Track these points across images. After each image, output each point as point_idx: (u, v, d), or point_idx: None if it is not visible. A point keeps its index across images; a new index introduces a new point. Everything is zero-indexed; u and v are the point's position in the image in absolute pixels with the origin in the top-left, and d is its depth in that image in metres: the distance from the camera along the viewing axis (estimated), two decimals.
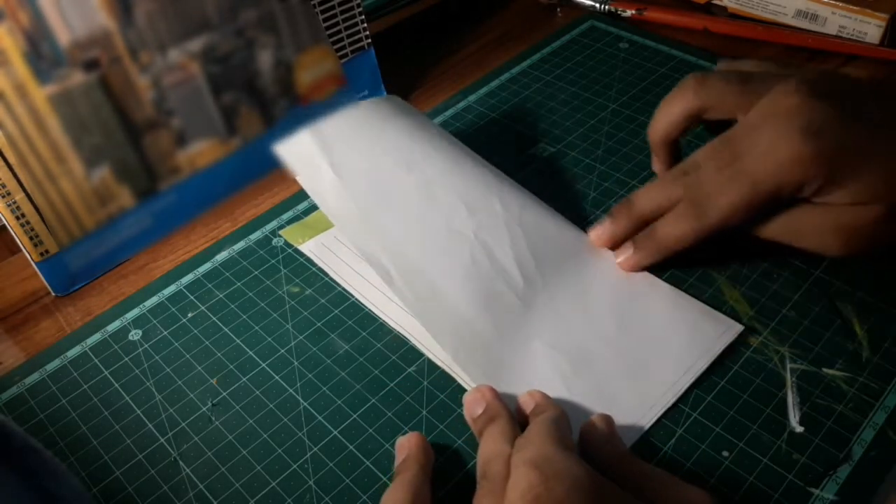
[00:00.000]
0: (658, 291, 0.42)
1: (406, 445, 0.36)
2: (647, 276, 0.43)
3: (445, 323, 0.40)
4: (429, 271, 0.41)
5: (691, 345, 0.39)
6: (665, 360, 0.39)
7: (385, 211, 0.43)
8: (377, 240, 0.42)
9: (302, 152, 0.45)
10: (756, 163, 0.38)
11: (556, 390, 0.38)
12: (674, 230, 0.41)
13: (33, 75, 0.42)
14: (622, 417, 0.37)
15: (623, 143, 0.54)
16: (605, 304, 0.42)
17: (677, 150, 0.46)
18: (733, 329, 0.40)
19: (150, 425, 0.39)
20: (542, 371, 0.39)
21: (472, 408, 0.36)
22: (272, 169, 0.45)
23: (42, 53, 0.42)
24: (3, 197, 0.43)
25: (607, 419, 0.36)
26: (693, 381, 0.38)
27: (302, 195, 0.51)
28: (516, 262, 0.42)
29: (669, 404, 0.37)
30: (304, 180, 0.44)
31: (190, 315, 0.44)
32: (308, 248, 0.47)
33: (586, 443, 0.35)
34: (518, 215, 0.44)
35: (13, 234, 0.44)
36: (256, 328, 0.43)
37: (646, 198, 0.42)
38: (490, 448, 0.34)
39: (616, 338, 0.40)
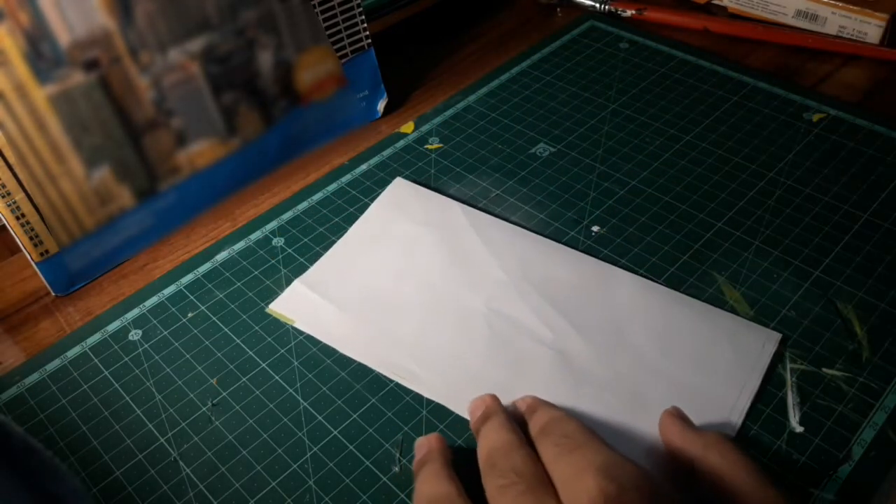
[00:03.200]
0: (690, 310, 0.42)
1: (426, 443, 0.36)
2: (675, 295, 0.42)
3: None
4: (453, 356, 0.40)
5: (739, 362, 0.39)
6: (718, 382, 0.38)
7: (395, 323, 0.42)
8: (395, 350, 0.41)
9: (297, 301, 0.44)
10: None
11: (617, 432, 0.36)
12: None
13: (33, 75, 0.42)
14: None
15: (623, 143, 0.54)
16: (642, 334, 0.41)
17: None
18: (773, 338, 0.40)
19: (150, 425, 0.39)
20: (599, 416, 0.37)
21: (474, 413, 0.36)
22: (272, 169, 0.45)
23: (42, 53, 0.42)
24: (3, 197, 0.43)
25: (679, 412, 0.36)
26: (752, 400, 0.37)
27: (302, 195, 0.51)
28: (537, 317, 0.42)
29: (738, 426, 0.37)
30: (305, 325, 0.43)
31: (190, 315, 0.44)
32: (303, 324, 0.43)
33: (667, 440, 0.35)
34: (522, 274, 0.44)
35: (13, 234, 0.44)
36: (256, 328, 0.43)
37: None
38: (495, 438, 0.33)
39: (663, 367, 0.39)
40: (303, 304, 0.44)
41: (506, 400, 0.37)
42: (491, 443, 0.33)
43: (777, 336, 0.40)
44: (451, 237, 0.46)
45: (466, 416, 0.38)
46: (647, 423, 0.36)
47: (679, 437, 0.34)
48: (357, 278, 0.45)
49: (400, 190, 0.50)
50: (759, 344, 0.40)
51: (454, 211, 0.48)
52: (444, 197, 0.50)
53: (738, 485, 0.30)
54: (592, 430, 0.33)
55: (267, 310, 0.43)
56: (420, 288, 0.44)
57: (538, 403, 0.36)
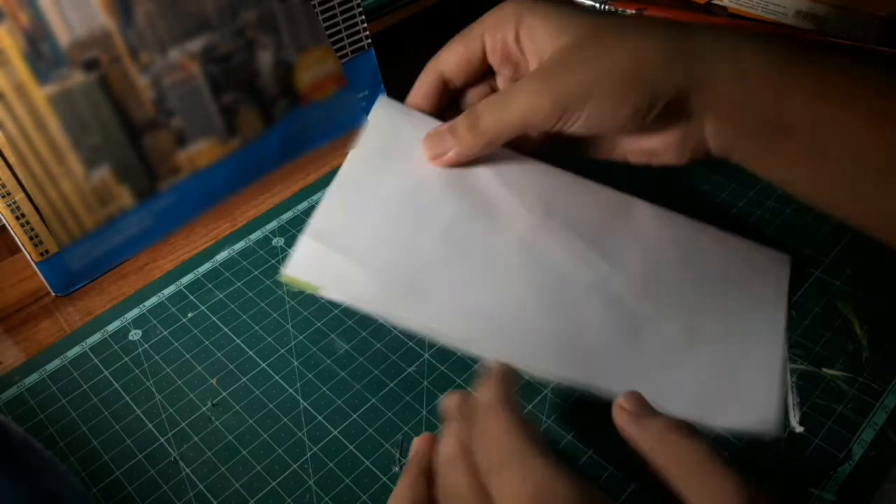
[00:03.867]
0: (709, 237, 0.42)
1: (416, 444, 0.35)
2: (693, 223, 0.43)
3: (547, 351, 0.37)
4: (505, 312, 0.37)
5: (765, 290, 0.41)
6: (752, 310, 0.40)
7: (430, 281, 0.37)
8: (441, 313, 0.36)
9: (314, 262, 0.37)
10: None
11: (677, 364, 0.37)
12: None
13: (33, 75, 0.42)
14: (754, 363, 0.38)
15: None
16: (675, 267, 0.41)
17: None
18: (785, 261, 0.43)
19: (150, 425, 0.39)
20: (660, 355, 0.37)
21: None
22: (272, 169, 0.45)
23: (42, 53, 0.42)
24: (3, 197, 0.43)
25: (635, 396, 0.33)
26: (785, 322, 0.40)
27: (302, 195, 0.51)
28: (573, 257, 0.39)
29: (784, 344, 0.39)
30: (334, 292, 0.36)
31: (190, 315, 0.44)
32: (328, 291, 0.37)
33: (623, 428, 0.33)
34: (546, 211, 0.40)
35: (13, 234, 0.44)
36: (256, 328, 0.43)
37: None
38: (446, 449, 0.32)
39: (701, 301, 0.40)
40: (324, 266, 0.36)
41: (573, 357, 0.37)
42: (445, 451, 0.32)
43: (787, 258, 0.43)
44: (459, 172, 0.41)
45: (540, 375, 0.38)
46: (705, 354, 0.38)
47: (628, 427, 0.32)
48: (371, 228, 0.38)
49: (388, 112, 0.43)
50: (775, 269, 0.42)
51: None
52: (438, 122, 0.42)
53: (688, 481, 0.29)
54: (526, 436, 0.30)
55: (282, 278, 0.36)
56: (444, 237, 0.39)
57: (468, 407, 0.33)
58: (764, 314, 0.40)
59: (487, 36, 0.41)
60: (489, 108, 0.38)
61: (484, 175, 0.41)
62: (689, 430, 0.30)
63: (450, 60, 0.42)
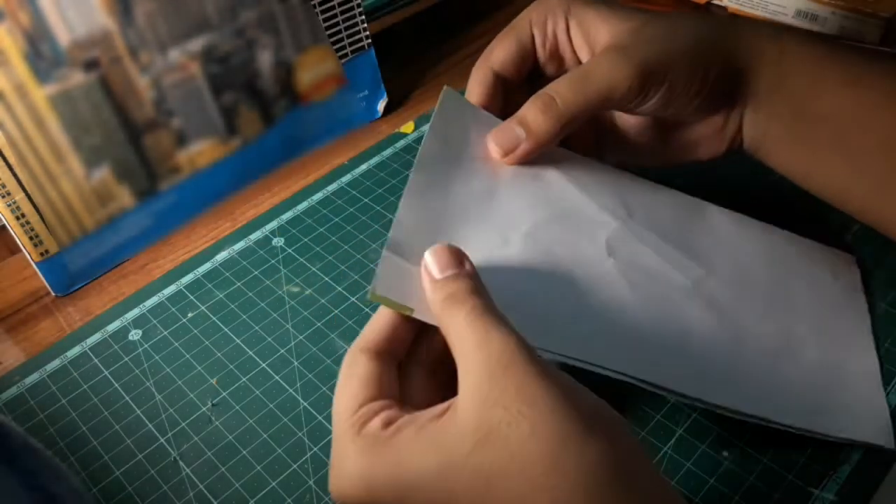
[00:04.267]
0: (782, 239, 0.42)
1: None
2: (762, 225, 0.42)
3: (660, 362, 0.34)
4: (615, 324, 0.34)
5: (843, 293, 0.41)
6: (833, 305, 0.40)
7: (526, 295, 0.34)
8: (549, 329, 0.33)
9: (401, 280, 0.32)
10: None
11: (781, 371, 0.36)
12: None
13: (33, 75, 0.42)
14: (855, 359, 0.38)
15: None
16: (759, 270, 0.40)
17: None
18: (851, 261, 0.43)
19: (150, 425, 0.39)
20: (761, 363, 0.36)
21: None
22: (272, 169, 0.45)
23: (42, 53, 0.42)
24: (3, 197, 0.43)
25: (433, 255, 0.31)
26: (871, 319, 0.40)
27: (302, 195, 0.51)
28: (665, 261, 0.37)
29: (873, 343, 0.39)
30: (424, 313, 0.31)
31: (190, 315, 0.44)
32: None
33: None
34: (627, 213, 0.38)
35: (13, 234, 0.44)
36: (256, 328, 0.43)
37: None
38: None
39: (791, 304, 0.39)
40: (409, 285, 0.32)
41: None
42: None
43: (853, 258, 0.43)
44: (531, 174, 0.38)
45: (660, 383, 0.33)
46: (805, 359, 0.37)
47: (426, 295, 0.30)
48: (452, 236, 0.35)
49: (455, 106, 0.39)
50: (848, 270, 0.42)
51: None
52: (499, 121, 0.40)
53: (456, 353, 0.28)
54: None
55: (370, 297, 0.31)
56: (527, 245, 0.36)
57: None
58: (849, 317, 0.40)
59: (536, 29, 0.40)
60: (565, 87, 0.37)
61: (555, 178, 0.38)
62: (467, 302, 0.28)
63: (501, 56, 0.40)
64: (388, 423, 0.27)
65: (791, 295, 0.39)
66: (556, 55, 0.40)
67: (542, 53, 0.40)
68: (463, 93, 0.40)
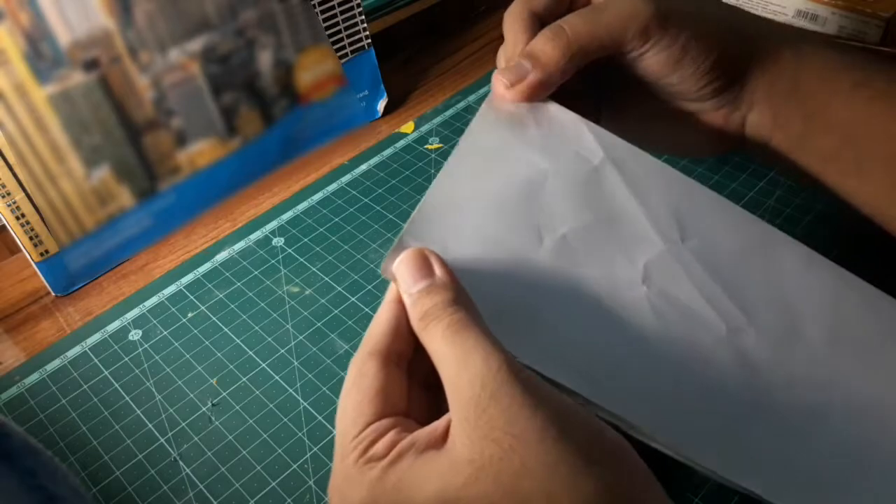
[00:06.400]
0: (860, 295, 0.35)
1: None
2: (842, 273, 0.35)
3: (664, 413, 0.30)
4: (623, 358, 0.31)
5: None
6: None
7: (542, 307, 0.31)
8: (553, 346, 0.31)
9: None
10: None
11: (801, 444, 0.30)
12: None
13: (33, 75, 0.42)
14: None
15: None
16: (814, 323, 0.33)
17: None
18: None
19: (150, 425, 0.39)
20: (781, 424, 0.31)
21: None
22: (272, 169, 0.45)
23: (42, 53, 0.42)
24: (3, 197, 0.43)
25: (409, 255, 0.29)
26: None
27: (302, 195, 0.51)
28: (707, 301, 0.33)
29: None
30: None
31: (190, 315, 0.44)
32: None
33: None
34: (680, 235, 0.34)
35: (13, 234, 0.44)
36: (256, 328, 0.43)
37: None
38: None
39: (840, 367, 0.33)
40: None
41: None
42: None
43: None
44: (585, 174, 0.35)
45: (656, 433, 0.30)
46: (829, 436, 0.31)
47: (401, 302, 0.29)
48: (478, 232, 0.32)
49: (498, 104, 0.37)
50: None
51: (583, 135, 0.36)
52: (564, 110, 0.36)
53: (444, 375, 0.27)
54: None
55: (382, 272, 0.30)
56: (560, 250, 0.33)
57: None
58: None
59: None
60: (577, 17, 0.34)
61: (609, 173, 0.35)
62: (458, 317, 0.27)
63: None
64: (391, 446, 0.27)
65: (843, 358, 0.33)
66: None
67: None
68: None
